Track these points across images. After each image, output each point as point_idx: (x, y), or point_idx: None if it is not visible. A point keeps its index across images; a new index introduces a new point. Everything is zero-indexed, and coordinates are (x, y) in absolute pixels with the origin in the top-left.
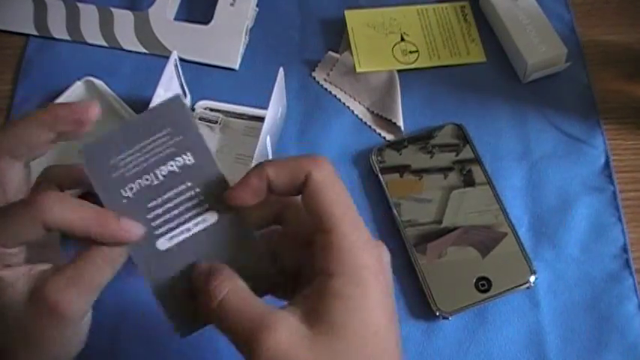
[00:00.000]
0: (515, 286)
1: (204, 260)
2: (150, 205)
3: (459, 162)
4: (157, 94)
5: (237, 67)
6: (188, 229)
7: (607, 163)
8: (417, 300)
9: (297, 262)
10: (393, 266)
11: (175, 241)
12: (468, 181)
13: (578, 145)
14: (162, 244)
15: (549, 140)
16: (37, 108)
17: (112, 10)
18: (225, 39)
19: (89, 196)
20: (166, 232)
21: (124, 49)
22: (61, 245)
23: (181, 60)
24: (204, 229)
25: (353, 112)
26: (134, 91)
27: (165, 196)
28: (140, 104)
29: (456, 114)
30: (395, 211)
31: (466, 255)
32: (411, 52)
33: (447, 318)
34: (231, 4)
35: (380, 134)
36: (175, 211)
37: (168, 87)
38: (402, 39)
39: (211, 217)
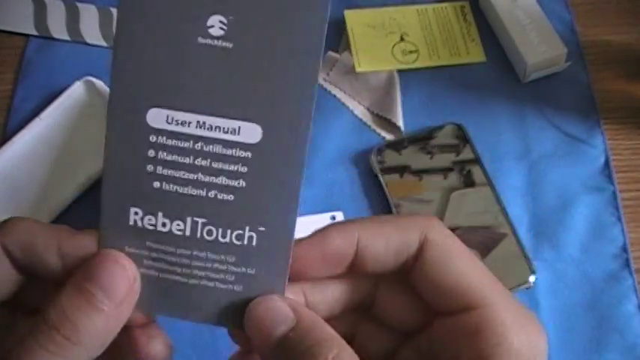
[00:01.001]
0: (515, 286)
1: None
2: None
3: (459, 162)
4: None
5: None
6: None
7: (607, 163)
8: None
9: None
10: None
11: None
12: (468, 182)
13: (578, 145)
14: None
15: (549, 140)
16: (36, 108)
17: (112, 10)
18: None
19: None
20: None
21: None
22: None
23: None
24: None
25: (353, 112)
26: None
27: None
28: None
29: (455, 114)
30: (395, 212)
31: None
32: (410, 52)
33: None
34: None
35: (380, 134)
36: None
37: None
38: (402, 39)
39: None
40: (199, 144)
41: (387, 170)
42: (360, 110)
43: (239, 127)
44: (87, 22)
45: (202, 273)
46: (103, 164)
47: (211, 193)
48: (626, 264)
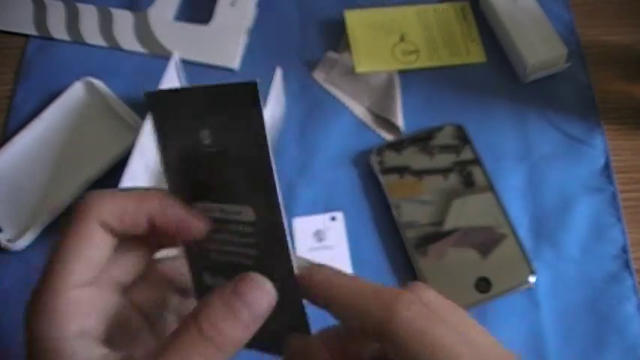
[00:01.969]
0: (516, 287)
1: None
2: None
3: (459, 163)
4: None
5: (236, 67)
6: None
7: (607, 164)
8: None
9: None
10: (392, 268)
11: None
12: (468, 182)
13: (578, 146)
14: None
15: (549, 141)
16: (36, 108)
17: (112, 10)
18: (225, 39)
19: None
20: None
21: (123, 50)
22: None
23: (181, 60)
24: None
25: (353, 112)
26: (134, 91)
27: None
28: (140, 104)
29: (456, 114)
30: (395, 212)
31: (466, 256)
32: (410, 52)
33: None
34: (231, 4)
35: (380, 135)
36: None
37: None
38: (402, 39)
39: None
40: (224, 226)
41: (387, 170)
42: (360, 110)
43: (240, 210)
44: (87, 22)
45: None
46: None
47: (237, 260)
48: (626, 265)
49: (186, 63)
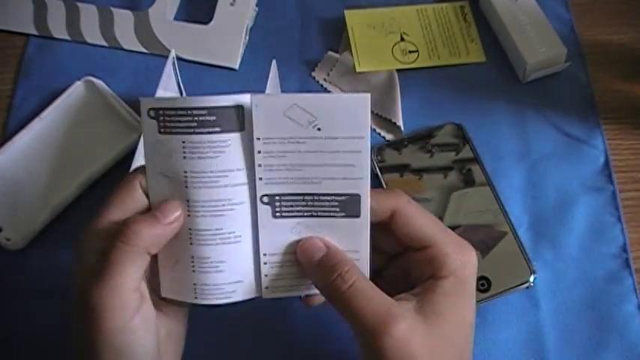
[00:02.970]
0: (515, 286)
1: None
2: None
3: (459, 161)
4: (157, 95)
5: (237, 66)
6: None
7: (606, 163)
8: None
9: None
10: None
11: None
12: (468, 181)
13: (578, 145)
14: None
15: (549, 140)
16: (36, 108)
17: (112, 10)
18: (225, 39)
19: None
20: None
21: (124, 49)
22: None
23: (181, 60)
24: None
25: None
26: (134, 91)
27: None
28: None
29: (455, 114)
30: None
31: None
32: (410, 51)
33: None
34: (231, 4)
35: (380, 134)
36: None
37: (166, 86)
38: (402, 39)
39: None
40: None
41: (388, 169)
42: None
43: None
44: (87, 22)
45: None
46: None
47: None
48: (626, 264)
49: (186, 63)
